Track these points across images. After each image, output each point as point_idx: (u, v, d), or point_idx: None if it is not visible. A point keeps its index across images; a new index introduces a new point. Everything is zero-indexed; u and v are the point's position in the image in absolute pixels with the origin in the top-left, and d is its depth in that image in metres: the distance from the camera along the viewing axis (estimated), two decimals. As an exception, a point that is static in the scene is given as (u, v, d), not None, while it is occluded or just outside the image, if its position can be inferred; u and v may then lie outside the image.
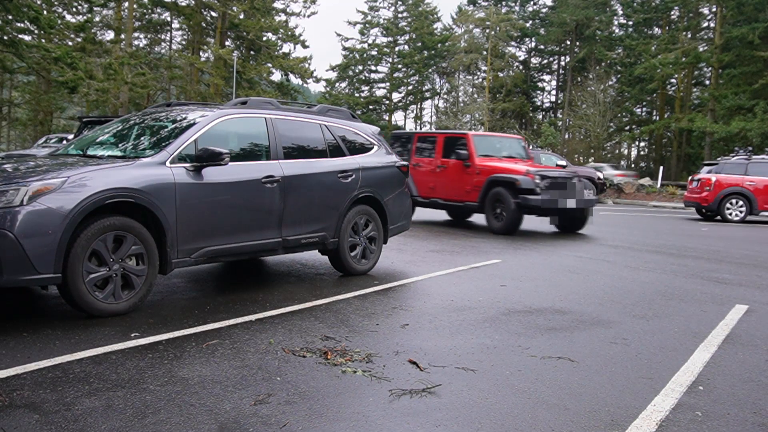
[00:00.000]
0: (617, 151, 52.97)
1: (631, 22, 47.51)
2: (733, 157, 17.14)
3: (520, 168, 10.42)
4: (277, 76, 45.83)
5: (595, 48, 46.77)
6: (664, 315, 5.09)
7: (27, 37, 24.33)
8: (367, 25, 55.77)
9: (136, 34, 42.78)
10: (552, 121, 51.51)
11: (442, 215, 14.07)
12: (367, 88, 57.59)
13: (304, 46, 45.74)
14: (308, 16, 63.92)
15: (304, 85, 53.65)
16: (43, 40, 24.84)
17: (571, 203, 10.26)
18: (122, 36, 37.79)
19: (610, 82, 46.61)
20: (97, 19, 38.13)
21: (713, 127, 34.24)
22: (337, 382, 3.29)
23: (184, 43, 46.99)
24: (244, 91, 41.20)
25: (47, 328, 4.13)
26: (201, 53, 44.59)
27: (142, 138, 5.36)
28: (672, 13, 43.34)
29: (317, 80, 60.86)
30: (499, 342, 4.17)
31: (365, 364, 3.60)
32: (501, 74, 52.66)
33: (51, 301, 4.98)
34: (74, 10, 32.51)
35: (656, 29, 47.26)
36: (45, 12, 26.44)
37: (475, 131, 14.13)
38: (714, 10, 38.96)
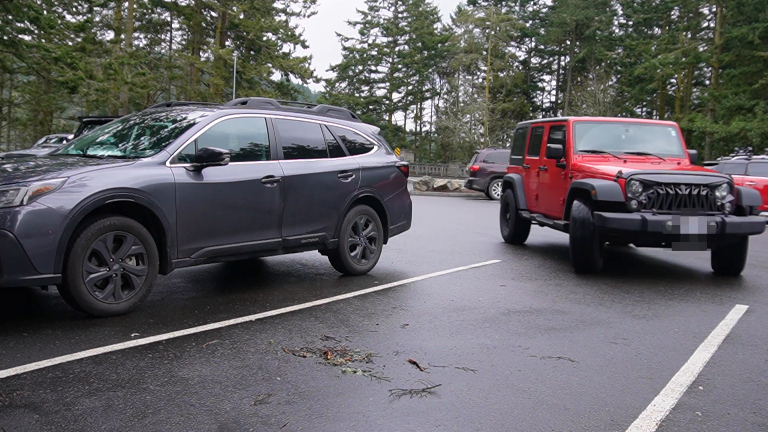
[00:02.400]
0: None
1: (631, 22, 47.52)
2: (733, 157, 17.14)
3: (611, 170, 6.87)
4: (277, 76, 45.89)
5: (595, 48, 46.78)
6: (664, 315, 5.09)
7: (27, 37, 24.34)
8: (367, 25, 55.79)
9: (136, 34, 42.79)
10: (552, 121, 51.37)
11: (442, 214, 14.00)
12: (367, 88, 57.60)
13: (304, 46, 45.81)
14: (308, 16, 64.13)
15: (304, 85, 53.73)
16: (43, 40, 24.84)
17: (696, 227, 6.29)
18: (122, 36, 37.80)
19: (610, 82, 46.62)
20: (97, 19, 38.15)
21: (713, 127, 34.24)
22: (337, 382, 3.29)
23: (184, 43, 47.00)
24: (244, 91, 41.21)
25: (47, 328, 4.13)
26: (201, 53, 44.60)
27: (142, 138, 5.36)
28: (672, 13, 43.34)
29: (317, 80, 60.87)
30: (499, 342, 4.16)
31: (365, 364, 3.60)
32: (501, 74, 52.68)
33: (51, 301, 4.98)
34: (74, 10, 32.53)
35: (656, 29, 47.28)
36: (45, 12, 26.44)
37: (580, 117, 9.68)
38: (714, 10, 38.96)
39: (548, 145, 7.76)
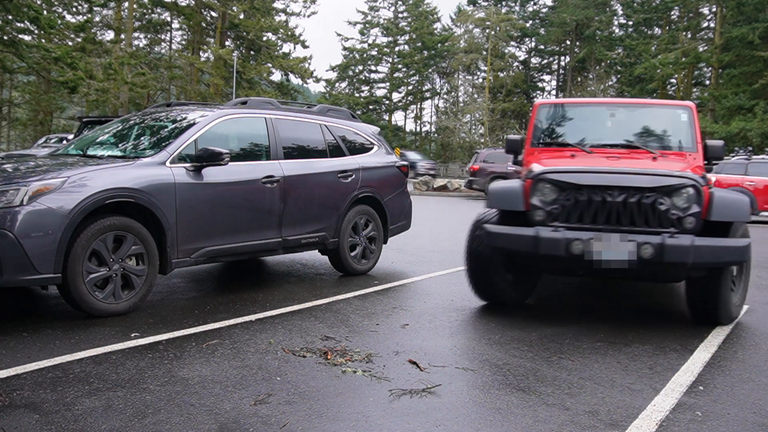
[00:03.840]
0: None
1: (631, 22, 47.51)
2: (733, 157, 17.14)
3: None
4: (277, 76, 45.87)
5: (595, 48, 46.78)
6: (664, 315, 5.09)
7: (27, 37, 24.34)
8: (367, 25, 55.77)
9: (136, 34, 42.79)
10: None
11: (442, 214, 13.98)
12: (367, 88, 57.59)
13: (304, 46, 45.78)
14: (308, 16, 64.14)
15: (304, 85, 53.69)
16: (43, 40, 24.84)
17: (614, 252, 4.28)
18: (122, 36, 37.80)
19: (610, 82, 46.63)
20: (97, 19, 38.14)
21: (713, 127, 34.23)
22: (337, 382, 3.29)
23: (184, 43, 46.99)
24: (244, 91, 41.21)
25: (47, 328, 4.13)
26: (201, 53, 44.60)
27: (142, 138, 5.36)
28: (672, 13, 43.34)
29: (317, 80, 60.86)
30: (499, 342, 4.16)
31: (365, 364, 3.60)
32: (501, 74, 52.66)
33: (51, 301, 4.98)
34: (74, 10, 32.51)
35: (656, 29, 47.27)
36: (45, 12, 26.43)
37: (551, 99, 6.62)
38: (714, 10, 38.97)
39: (507, 137, 6.16)
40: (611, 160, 4.96)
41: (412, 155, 34.67)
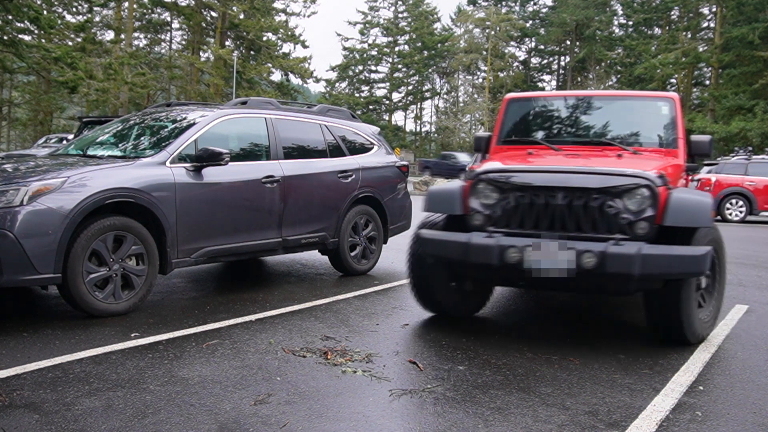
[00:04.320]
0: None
1: (631, 22, 47.54)
2: (733, 157, 17.14)
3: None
4: (277, 76, 45.89)
5: (595, 48, 46.80)
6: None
7: (27, 37, 24.34)
8: (367, 25, 55.79)
9: (136, 34, 42.79)
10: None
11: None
12: (367, 88, 57.61)
13: (304, 46, 45.81)
14: (308, 16, 64.17)
15: (304, 85, 53.71)
16: (43, 40, 24.84)
17: (551, 260, 3.78)
18: (122, 36, 37.81)
19: (610, 82, 46.65)
20: (97, 19, 38.14)
21: (713, 127, 34.25)
22: (337, 382, 3.29)
23: (184, 43, 47.01)
24: (244, 91, 41.21)
25: (47, 328, 4.13)
26: (201, 53, 44.60)
27: (142, 138, 5.36)
28: (672, 13, 43.37)
29: (317, 80, 60.99)
30: (499, 342, 4.16)
31: (365, 364, 3.60)
32: (501, 74, 52.69)
33: (51, 301, 4.98)
34: (74, 10, 32.52)
35: (656, 29, 47.29)
36: (45, 12, 26.43)
37: (522, 92, 5.53)
38: (714, 10, 38.98)
39: (475, 135, 5.73)
40: (570, 158, 4.49)
41: (462, 156, 33.39)
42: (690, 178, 5.66)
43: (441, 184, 4.46)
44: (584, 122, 5.25)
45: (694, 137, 4.89)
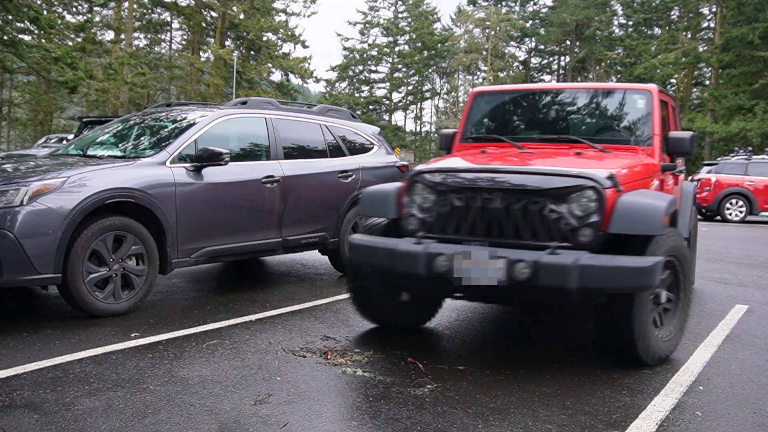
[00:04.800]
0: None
1: (631, 22, 47.54)
2: (733, 157, 17.14)
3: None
4: (277, 76, 45.86)
5: (595, 48, 46.80)
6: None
7: (27, 37, 24.33)
8: (367, 25, 55.79)
9: (136, 34, 42.77)
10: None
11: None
12: (367, 88, 57.61)
13: (304, 46, 45.76)
14: (308, 16, 64.14)
15: (304, 85, 53.69)
16: (43, 40, 24.83)
17: (480, 270, 3.37)
18: (122, 36, 37.78)
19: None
20: (97, 19, 38.13)
21: (713, 127, 34.25)
22: (337, 382, 3.29)
23: (184, 43, 46.99)
24: (244, 91, 41.20)
25: (47, 328, 4.13)
26: (201, 53, 44.59)
27: (142, 138, 5.36)
28: (672, 13, 43.37)
29: (317, 80, 60.94)
30: (499, 342, 4.16)
31: (365, 364, 3.60)
32: (501, 74, 52.67)
33: (51, 301, 4.98)
34: (74, 10, 32.50)
35: (656, 29, 47.29)
36: (45, 12, 26.43)
37: (492, 86, 5.25)
38: (714, 10, 38.98)
39: (440, 132, 5.29)
40: (524, 157, 4.15)
41: None
42: (678, 178, 5.40)
43: (378, 185, 4.18)
44: (554, 117, 4.91)
45: (673, 134, 4.51)
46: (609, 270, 3.20)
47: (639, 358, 3.57)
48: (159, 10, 43.95)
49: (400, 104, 58.63)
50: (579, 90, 5.01)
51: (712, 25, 40.30)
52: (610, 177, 3.47)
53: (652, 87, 4.65)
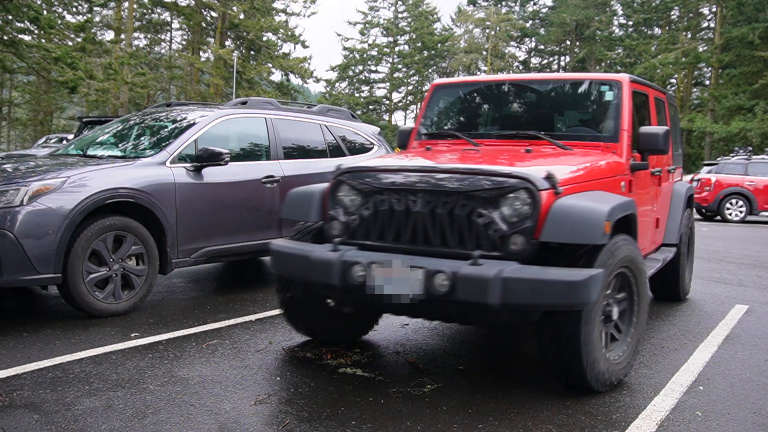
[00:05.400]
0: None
1: (631, 22, 47.55)
2: (733, 157, 17.15)
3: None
4: (277, 76, 45.86)
5: (595, 48, 46.81)
6: (664, 315, 5.08)
7: (27, 37, 24.32)
8: (367, 25, 55.79)
9: (136, 34, 42.77)
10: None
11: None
12: (367, 88, 57.60)
13: (304, 46, 45.76)
14: (308, 16, 64.12)
15: (304, 85, 53.70)
16: (43, 40, 24.82)
17: (396, 283, 3.01)
18: (122, 36, 37.78)
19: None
20: (97, 19, 38.12)
21: (713, 127, 34.27)
22: (337, 382, 3.29)
23: (184, 43, 46.98)
24: (244, 91, 41.20)
25: (47, 328, 4.13)
26: (201, 53, 44.58)
27: (142, 138, 5.36)
28: (672, 13, 43.38)
29: (317, 80, 60.99)
30: (499, 342, 4.16)
31: (365, 364, 3.60)
32: (501, 74, 52.66)
33: (51, 301, 4.98)
34: (74, 10, 32.50)
35: (656, 29, 47.29)
36: (45, 12, 26.44)
37: (452, 78, 5.23)
38: (714, 10, 38.99)
39: (399, 128, 4.95)
40: (466, 155, 3.75)
41: None
42: (670, 178, 5.11)
43: (304, 186, 3.79)
44: (517, 112, 4.54)
45: (645, 129, 3.99)
46: (537, 284, 2.79)
47: (587, 385, 3.12)
48: (159, 10, 43.94)
49: (400, 104, 58.63)
50: (545, 81, 4.60)
51: (712, 25, 40.31)
52: (548, 177, 3.06)
53: (623, 77, 4.19)
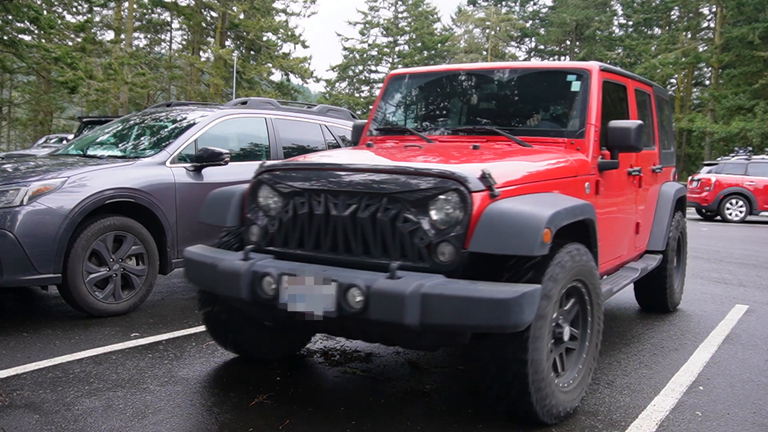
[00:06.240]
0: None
1: (631, 22, 47.54)
2: (733, 157, 17.15)
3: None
4: (277, 76, 45.85)
5: (595, 48, 46.80)
6: (664, 315, 5.08)
7: (27, 37, 24.32)
8: (367, 25, 55.78)
9: (136, 34, 42.77)
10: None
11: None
12: (367, 88, 57.57)
13: (304, 46, 45.75)
14: (308, 16, 64.07)
15: (304, 85, 53.70)
16: (43, 40, 24.83)
17: (307, 299, 2.63)
18: (122, 36, 37.78)
19: (610, 82, 46.59)
20: (97, 19, 38.11)
21: (713, 127, 34.27)
22: (337, 382, 3.29)
23: (184, 43, 46.97)
24: (244, 91, 41.20)
25: (47, 328, 4.13)
26: (201, 53, 44.59)
27: (142, 138, 5.36)
28: (672, 13, 43.37)
29: (317, 80, 60.94)
30: (499, 342, 4.16)
31: (365, 364, 3.60)
32: (501, 74, 52.62)
33: (51, 301, 4.98)
34: (74, 10, 32.50)
35: (656, 29, 47.29)
36: (45, 12, 26.44)
37: (409, 68, 5.06)
38: (714, 10, 38.99)
39: (354, 123, 4.56)
40: (406, 151, 3.40)
41: None
42: (657, 177, 4.74)
43: (225, 188, 3.39)
44: (477, 104, 4.11)
45: (614, 123, 3.54)
46: (461, 302, 2.36)
47: (536, 418, 2.71)
48: (159, 10, 43.93)
49: (400, 104, 58.60)
50: (508, 71, 4.05)
51: (712, 25, 40.31)
52: (484, 177, 2.64)
53: (592, 65, 3.77)
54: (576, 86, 3.70)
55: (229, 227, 3.26)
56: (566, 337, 2.86)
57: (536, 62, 4.34)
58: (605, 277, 3.96)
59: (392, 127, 4.17)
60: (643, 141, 3.62)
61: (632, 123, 3.53)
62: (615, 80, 4.01)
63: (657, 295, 5.01)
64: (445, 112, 4.22)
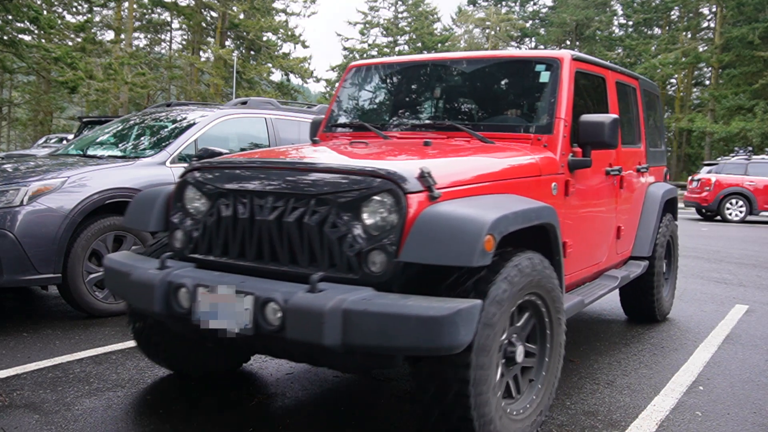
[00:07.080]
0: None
1: (631, 22, 47.54)
2: (733, 157, 17.15)
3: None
4: (277, 76, 45.86)
5: (595, 48, 46.78)
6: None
7: (27, 37, 24.32)
8: (367, 25, 55.82)
9: (136, 34, 42.78)
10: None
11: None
12: (367, 88, 57.60)
13: (304, 46, 45.76)
14: (308, 16, 64.07)
15: (304, 85, 53.68)
16: (43, 40, 24.83)
17: (221, 314, 2.30)
18: (122, 36, 37.79)
19: (610, 82, 46.58)
20: (97, 19, 38.12)
21: (713, 127, 34.27)
22: (338, 382, 3.29)
23: (184, 43, 46.98)
24: (244, 91, 41.21)
25: (47, 328, 4.13)
26: (201, 53, 44.59)
27: (142, 138, 5.36)
28: (672, 13, 43.37)
29: (317, 80, 60.86)
30: (499, 342, 4.15)
31: (365, 364, 3.60)
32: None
33: (51, 301, 4.98)
34: (74, 10, 32.51)
35: (656, 29, 47.30)
36: (45, 12, 26.44)
37: (371, 59, 4.90)
38: (714, 10, 39.00)
39: (313, 119, 4.21)
40: (350, 148, 3.18)
41: None
42: (643, 177, 4.45)
43: (152, 189, 3.09)
44: (439, 97, 3.77)
45: (586, 117, 3.21)
46: (387, 320, 2.04)
47: None
48: (159, 10, 43.95)
49: (400, 104, 58.63)
50: (473, 61, 3.75)
51: (712, 25, 40.30)
52: (423, 176, 2.32)
53: (563, 54, 3.45)
54: (545, 77, 3.37)
55: (153, 232, 2.96)
56: (519, 358, 2.51)
57: (505, 51, 4.03)
58: (580, 287, 3.59)
59: (349, 123, 3.80)
60: (617, 137, 3.30)
61: (606, 117, 3.18)
62: (591, 71, 3.67)
63: (643, 304, 4.64)
64: (407, 106, 3.88)
